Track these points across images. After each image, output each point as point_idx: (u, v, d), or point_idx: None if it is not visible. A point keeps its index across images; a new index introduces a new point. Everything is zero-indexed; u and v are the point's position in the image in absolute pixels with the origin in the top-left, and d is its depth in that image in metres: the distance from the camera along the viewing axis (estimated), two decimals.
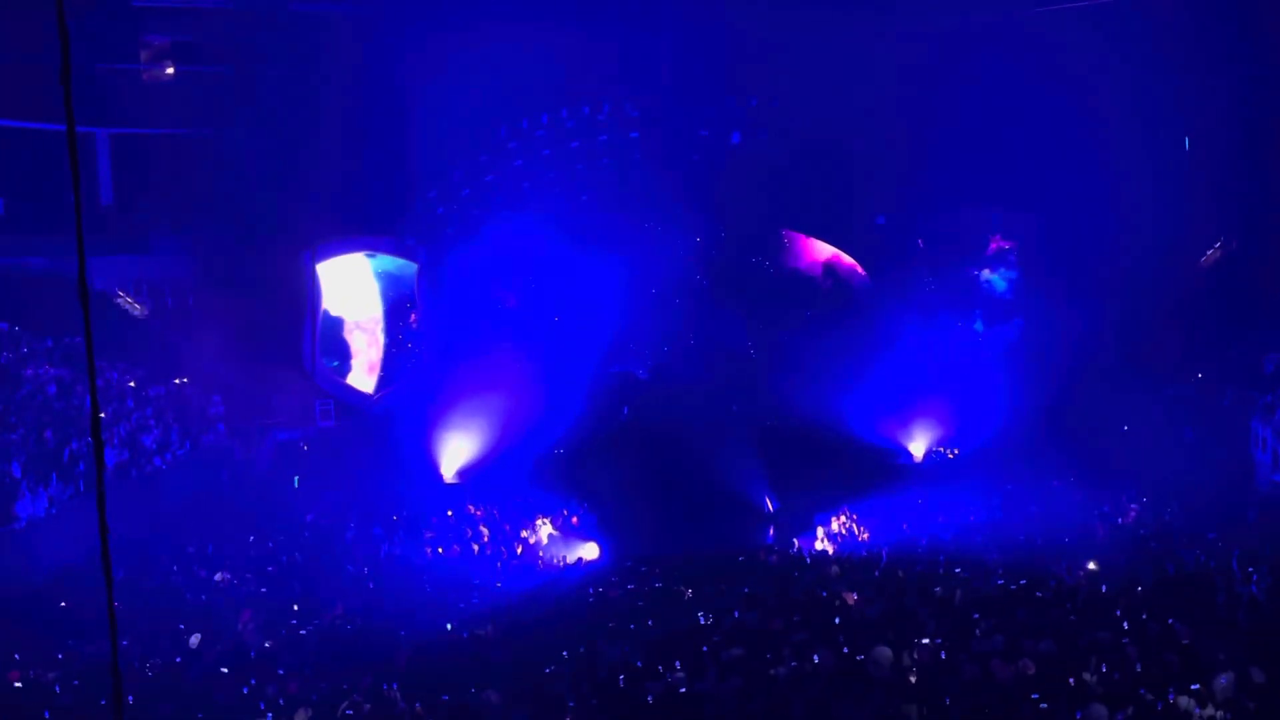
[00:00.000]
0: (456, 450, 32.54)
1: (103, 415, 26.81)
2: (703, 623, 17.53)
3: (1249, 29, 32.55)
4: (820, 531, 28.31)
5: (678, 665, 15.24)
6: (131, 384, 30.72)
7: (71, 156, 4.35)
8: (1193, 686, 13.23)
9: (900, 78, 34.92)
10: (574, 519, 29.59)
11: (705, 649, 15.84)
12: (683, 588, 20.44)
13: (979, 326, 37.25)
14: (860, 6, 35.03)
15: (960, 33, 35.14)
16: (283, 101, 34.48)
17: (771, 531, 30.09)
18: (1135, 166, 33.10)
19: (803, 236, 38.94)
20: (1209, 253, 36.22)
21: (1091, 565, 20.24)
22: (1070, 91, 34.16)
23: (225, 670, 15.83)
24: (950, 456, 32.82)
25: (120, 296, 35.03)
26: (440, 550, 25.73)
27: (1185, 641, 15.04)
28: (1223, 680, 13.55)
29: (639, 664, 15.58)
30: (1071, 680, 14.09)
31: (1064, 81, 34.01)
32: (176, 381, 32.50)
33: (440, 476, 32.18)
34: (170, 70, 36.88)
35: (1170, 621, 15.71)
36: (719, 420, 33.88)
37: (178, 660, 16.94)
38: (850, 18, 34.72)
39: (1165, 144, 33.91)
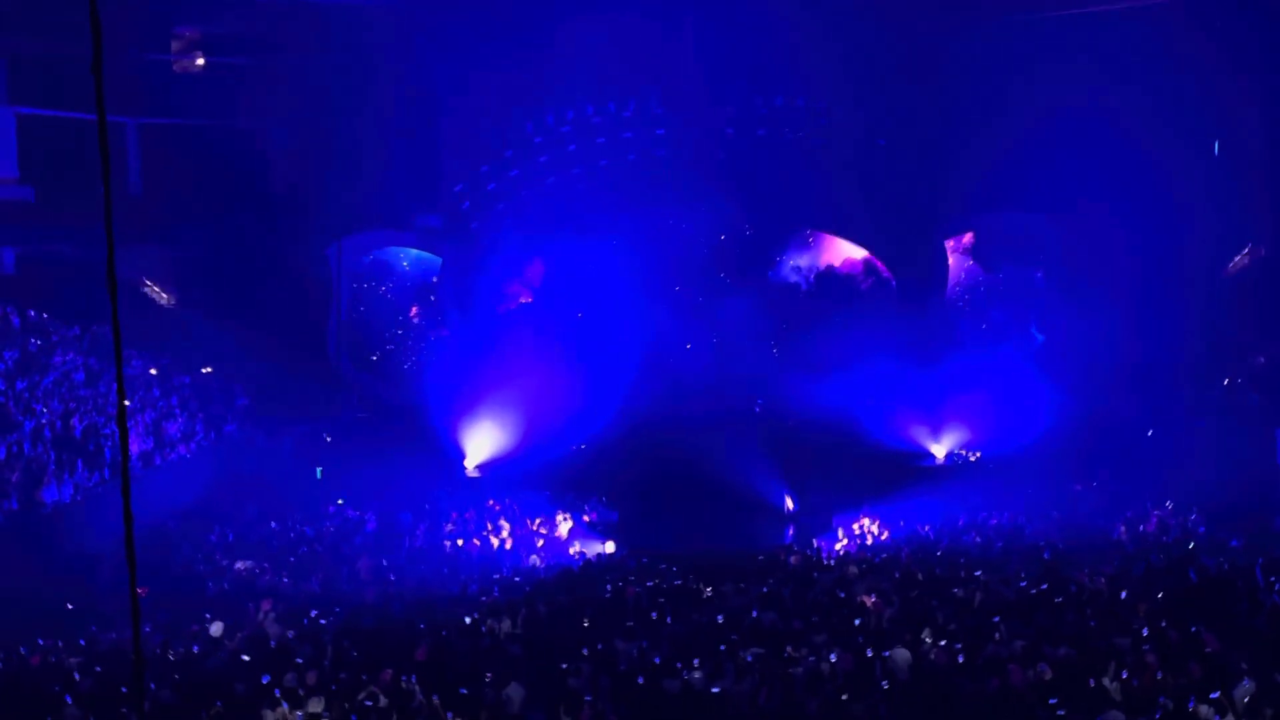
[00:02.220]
0: (479, 444, 32.63)
1: (128, 403, 27.05)
2: (721, 621, 17.53)
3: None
4: (840, 532, 28.25)
5: (696, 663, 15.26)
6: (154, 371, 30.96)
7: (102, 145, 4.39)
8: (1212, 695, 13.16)
9: (928, 79, 34.80)
10: (593, 515, 29.61)
11: (724, 648, 15.85)
12: (702, 586, 20.44)
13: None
14: (891, 6, 34.89)
15: (987, 34, 34.93)
16: (311, 94, 34.63)
17: (791, 531, 30.04)
18: (1164, 171, 32.92)
19: (830, 236, 38.86)
20: (1236, 259, 35.96)
21: (1112, 571, 20.12)
22: (1100, 95, 33.95)
23: (246, 659, 15.91)
24: (972, 460, 32.68)
25: (147, 285, 35.26)
26: (461, 543, 25.80)
27: (1207, 649, 14.96)
28: (1245, 684, 13.49)
29: (657, 661, 15.59)
30: (1091, 684, 14.04)
31: (1094, 85, 33.80)
32: (202, 370, 32.73)
33: (463, 470, 32.29)
34: (201, 61, 37.05)
35: (1193, 629, 15.62)
36: (740, 418, 33.86)
37: (196, 649, 17.05)
38: (881, 17, 34.60)
39: (1195, 149, 33.68)
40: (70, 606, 19.67)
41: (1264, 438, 27.49)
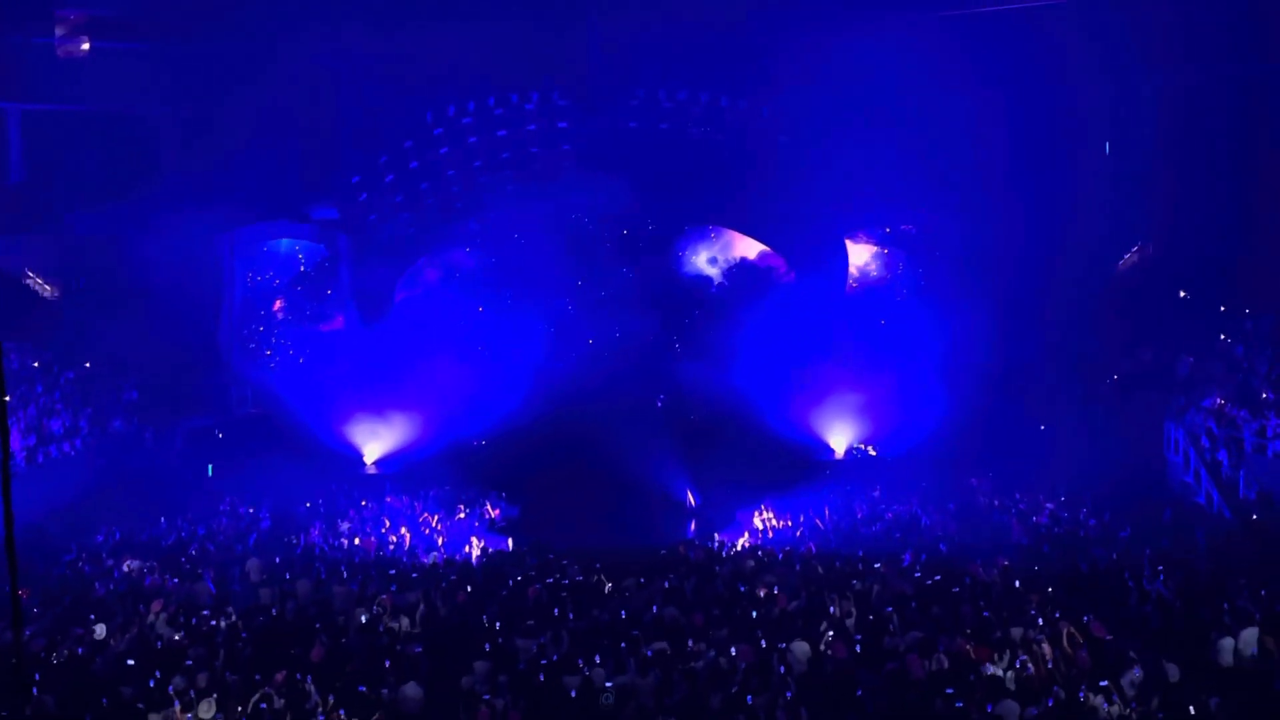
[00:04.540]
0: (377, 440, 32.16)
1: (8, 399, 26.11)
2: (623, 617, 17.46)
3: (1171, 37, 33.13)
4: (742, 526, 28.34)
5: (597, 659, 15.18)
6: (35, 364, 29.98)
7: None
8: (1102, 683, 13.46)
9: (828, 78, 35.03)
10: (495, 510, 29.34)
11: (625, 643, 15.79)
12: (603, 581, 20.35)
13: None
14: (791, 5, 35.12)
15: (881, 34, 35.30)
16: (202, 81, 33.79)
17: (692, 526, 30.08)
18: (1056, 170, 33.66)
19: (732, 230, 38.92)
20: (1127, 256, 36.88)
21: (1005, 562, 20.46)
22: (992, 95, 34.58)
23: (132, 662, 15.44)
24: (871, 454, 33.03)
25: (29, 277, 34.15)
26: (358, 541, 25.36)
27: (1101, 638, 15.31)
28: (1135, 673, 13.81)
29: (557, 658, 15.49)
30: (988, 672, 14.26)
31: (986, 86, 34.42)
32: (87, 365, 31.75)
33: (361, 465, 31.80)
34: (86, 46, 35.83)
35: (1086, 619, 15.97)
36: (642, 414, 33.79)
37: (81, 651, 16.51)
38: (782, 16, 34.84)
39: (1086, 149, 34.46)
40: None
41: (1152, 431, 28.25)
